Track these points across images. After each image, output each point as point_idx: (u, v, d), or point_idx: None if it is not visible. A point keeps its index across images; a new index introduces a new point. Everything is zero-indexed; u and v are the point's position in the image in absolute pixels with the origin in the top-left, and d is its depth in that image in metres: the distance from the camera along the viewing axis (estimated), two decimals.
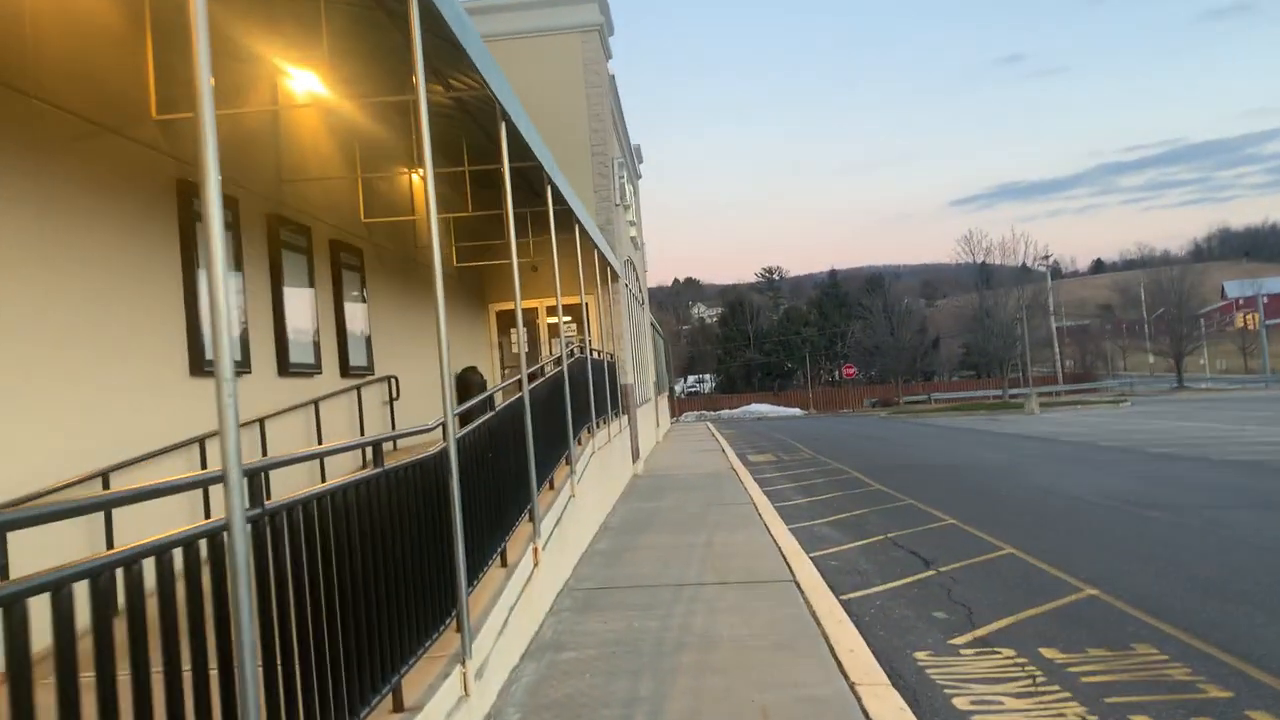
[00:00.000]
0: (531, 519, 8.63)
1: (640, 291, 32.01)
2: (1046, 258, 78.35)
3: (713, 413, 77.69)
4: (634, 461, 21.39)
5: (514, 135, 8.42)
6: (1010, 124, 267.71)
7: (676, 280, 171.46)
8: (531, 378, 9.40)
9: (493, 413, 7.62)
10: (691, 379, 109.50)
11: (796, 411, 76.83)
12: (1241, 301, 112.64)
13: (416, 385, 15.05)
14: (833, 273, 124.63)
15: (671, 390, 67.96)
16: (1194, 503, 14.59)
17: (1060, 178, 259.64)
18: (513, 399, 8.56)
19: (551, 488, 10.63)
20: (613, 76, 24.02)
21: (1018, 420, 45.29)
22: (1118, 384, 79.19)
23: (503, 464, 7.68)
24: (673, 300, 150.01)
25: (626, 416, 21.20)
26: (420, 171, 13.79)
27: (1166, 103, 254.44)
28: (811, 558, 10.93)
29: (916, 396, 76.85)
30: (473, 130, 12.86)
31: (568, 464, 11.72)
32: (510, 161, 8.63)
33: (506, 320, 22.58)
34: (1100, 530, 12.70)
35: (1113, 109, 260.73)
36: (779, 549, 11.12)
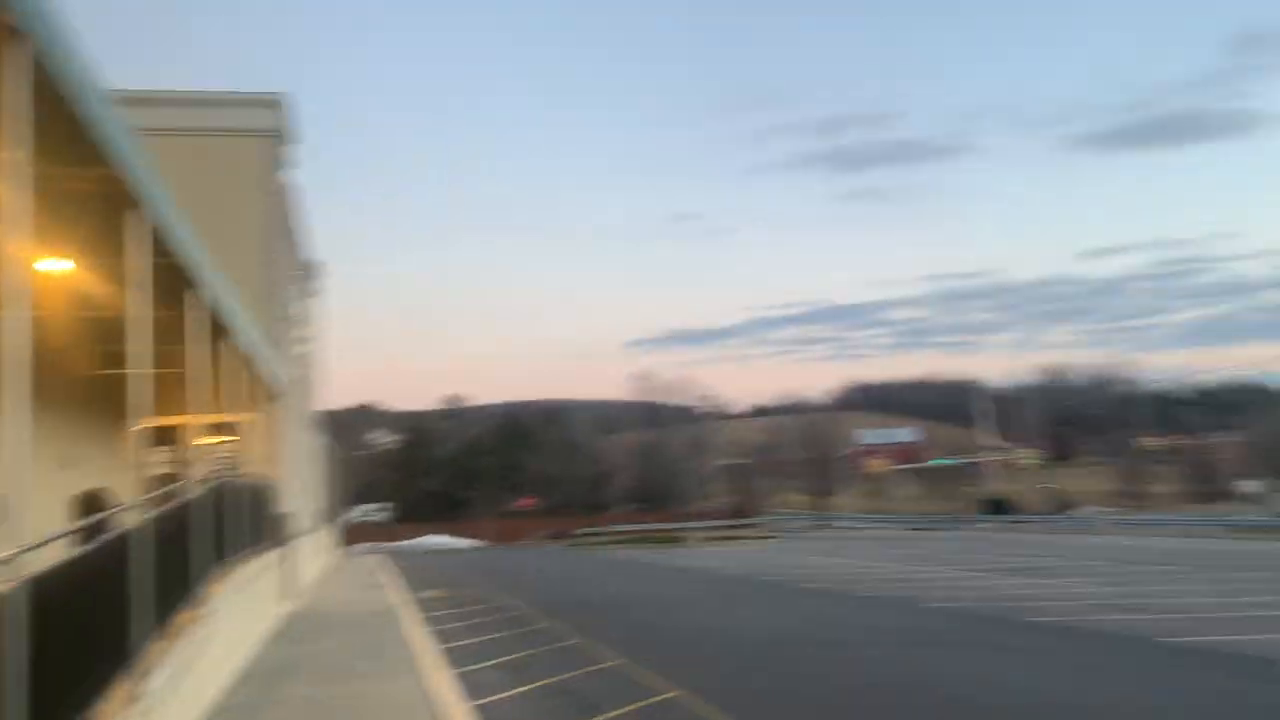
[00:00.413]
0: (137, 675, 7.19)
1: (312, 412, 30.07)
2: (709, 399, 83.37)
3: (387, 544, 74.08)
4: (290, 598, 19.44)
5: (160, 230, 7.36)
6: (681, 274, 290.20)
7: (357, 405, 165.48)
8: (166, 500, 8.05)
9: (98, 543, 6.30)
10: (367, 507, 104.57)
11: (475, 543, 75.00)
12: (869, 449, 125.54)
13: (35, 507, 12.71)
14: (514, 404, 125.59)
15: (343, 519, 64.24)
16: (850, 639, 15.19)
17: (723, 326, 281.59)
18: (134, 526, 7.22)
19: (175, 631, 9.09)
20: (292, 186, 22.85)
21: (683, 554, 46.68)
22: (773, 519, 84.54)
23: (104, 605, 6.33)
24: (351, 423, 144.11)
25: (285, 547, 19.33)
26: (46, 260, 12.00)
27: (813, 267, 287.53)
28: (473, 706, 10.05)
29: (591, 529, 77.71)
30: (114, 220, 11.38)
31: (201, 602, 10.17)
32: (155, 258, 7.52)
33: (152, 437, 20.11)
34: (765, 669, 12.77)
35: (768, 269, 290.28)
36: (438, 699, 10.14)
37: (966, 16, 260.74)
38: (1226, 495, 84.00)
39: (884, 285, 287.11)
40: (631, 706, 10.48)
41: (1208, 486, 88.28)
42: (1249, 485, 71.56)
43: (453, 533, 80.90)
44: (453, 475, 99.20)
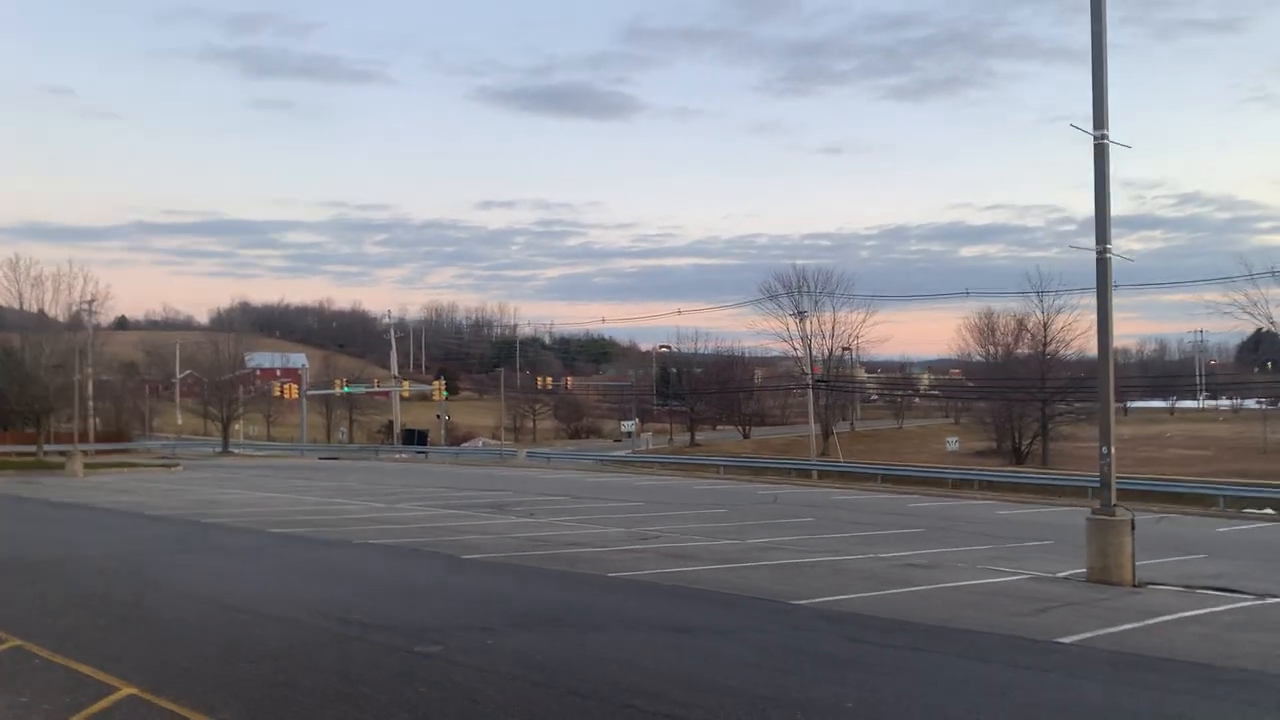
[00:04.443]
0: None
1: None
2: (91, 302, 68.36)
3: None
4: None
5: None
6: (46, 159, 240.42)
7: None
8: None
9: None
10: None
11: None
12: (260, 372, 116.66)
13: None
14: None
15: None
16: (430, 621, 10.96)
17: (95, 227, 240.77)
18: None
19: None
20: None
21: (66, 485, 36.79)
22: (158, 445, 73.04)
23: None
24: None
25: None
26: None
27: (207, 174, 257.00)
28: None
29: None
30: None
31: None
32: None
33: None
34: (359, 690, 8.01)
35: (157, 168, 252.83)
36: None
37: None
38: (592, 431, 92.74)
39: (281, 205, 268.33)
40: None
41: (576, 424, 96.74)
42: (626, 425, 79.23)
43: None
44: None
